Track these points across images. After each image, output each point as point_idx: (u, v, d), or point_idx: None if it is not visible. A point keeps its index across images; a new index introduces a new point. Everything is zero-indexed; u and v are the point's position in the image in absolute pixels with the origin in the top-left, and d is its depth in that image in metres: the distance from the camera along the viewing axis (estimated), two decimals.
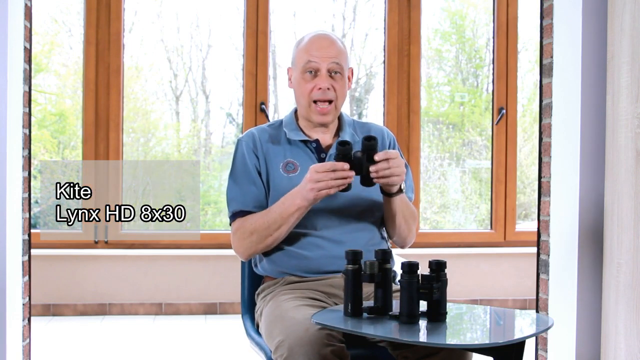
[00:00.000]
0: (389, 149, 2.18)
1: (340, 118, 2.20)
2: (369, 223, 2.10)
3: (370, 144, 1.90)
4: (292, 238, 2.06)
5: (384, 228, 2.17)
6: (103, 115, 4.49)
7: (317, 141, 2.13)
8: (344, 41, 2.18)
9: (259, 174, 2.11)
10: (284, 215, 1.99)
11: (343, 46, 2.14)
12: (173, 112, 4.92)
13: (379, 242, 2.10)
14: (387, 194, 2.02)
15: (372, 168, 1.90)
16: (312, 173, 1.92)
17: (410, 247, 2.22)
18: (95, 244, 4.45)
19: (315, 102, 2.09)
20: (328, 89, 2.08)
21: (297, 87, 2.13)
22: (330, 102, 2.09)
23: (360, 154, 1.90)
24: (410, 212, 2.11)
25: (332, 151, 2.12)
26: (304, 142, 2.13)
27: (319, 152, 2.13)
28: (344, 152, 1.90)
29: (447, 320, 1.68)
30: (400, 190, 2.02)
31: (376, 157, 1.90)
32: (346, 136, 2.15)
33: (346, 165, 1.89)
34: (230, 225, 2.12)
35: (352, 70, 2.20)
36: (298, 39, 2.20)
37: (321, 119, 2.10)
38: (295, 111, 2.20)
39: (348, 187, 1.92)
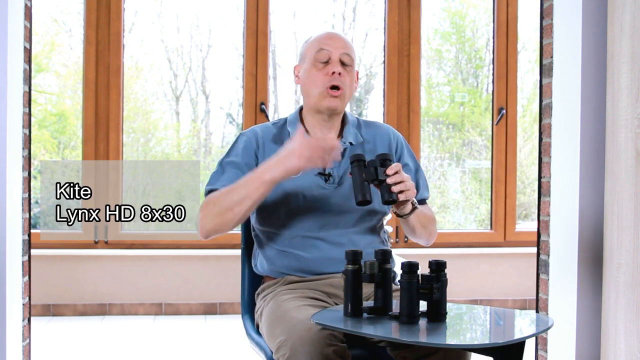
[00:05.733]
0: (396, 150, 2.17)
1: (344, 117, 2.19)
2: (368, 228, 2.09)
3: (385, 154, 1.88)
4: (290, 239, 2.05)
5: (383, 232, 2.17)
6: (103, 116, 4.49)
7: None
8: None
9: None
10: (248, 188, 1.91)
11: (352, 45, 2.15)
12: (173, 112, 4.92)
13: (378, 246, 2.09)
14: (401, 215, 2.00)
15: (389, 171, 1.83)
16: (303, 143, 1.86)
17: (410, 247, 2.23)
18: (95, 244, 4.45)
19: (329, 88, 2.05)
20: (340, 74, 2.06)
21: (308, 78, 2.10)
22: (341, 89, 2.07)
23: (373, 159, 1.87)
24: (428, 218, 2.11)
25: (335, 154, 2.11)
26: None
27: None
28: (358, 157, 1.86)
29: (447, 320, 1.68)
30: (414, 209, 1.99)
31: (390, 168, 1.84)
32: (350, 137, 2.14)
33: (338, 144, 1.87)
34: None
35: (358, 73, 2.19)
36: (303, 40, 2.19)
37: (333, 103, 2.06)
38: (300, 110, 2.19)
39: (368, 202, 1.84)
